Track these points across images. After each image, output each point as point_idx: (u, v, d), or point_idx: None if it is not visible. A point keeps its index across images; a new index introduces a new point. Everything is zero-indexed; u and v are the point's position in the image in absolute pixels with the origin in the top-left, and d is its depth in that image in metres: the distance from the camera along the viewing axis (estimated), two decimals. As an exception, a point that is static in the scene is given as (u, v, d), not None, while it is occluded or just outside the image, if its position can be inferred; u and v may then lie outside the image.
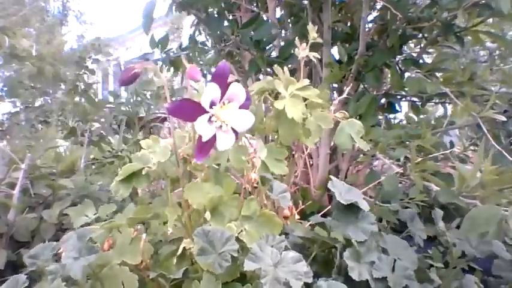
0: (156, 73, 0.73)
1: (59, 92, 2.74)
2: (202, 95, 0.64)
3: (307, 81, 0.78)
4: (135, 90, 2.64)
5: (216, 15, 1.61)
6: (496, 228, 0.87)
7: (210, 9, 1.72)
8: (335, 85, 1.74)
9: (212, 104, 0.64)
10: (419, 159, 1.27)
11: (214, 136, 0.65)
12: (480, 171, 1.01)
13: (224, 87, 0.65)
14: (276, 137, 0.84)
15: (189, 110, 0.64)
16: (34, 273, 0.85)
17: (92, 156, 2.24)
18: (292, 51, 1.51)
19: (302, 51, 0.85)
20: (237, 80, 0.68)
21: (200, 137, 0.64)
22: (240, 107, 0.67)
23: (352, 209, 0.90)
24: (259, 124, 0.83)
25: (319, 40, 0.90)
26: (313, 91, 0.78)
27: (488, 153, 1.07)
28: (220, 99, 0.65)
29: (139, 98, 2.68)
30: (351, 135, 0.81)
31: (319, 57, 0.89)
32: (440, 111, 2.05)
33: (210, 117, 0.65)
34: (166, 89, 0.74)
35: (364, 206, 0.89)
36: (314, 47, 0.88)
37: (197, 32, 1.99)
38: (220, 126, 0.65)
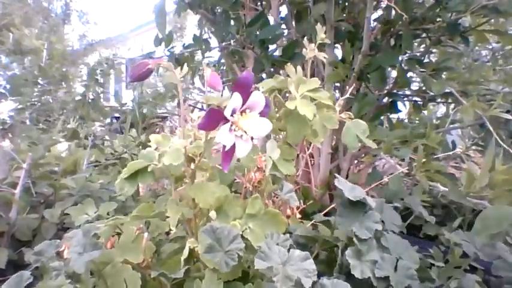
0: (170, 70, 0.72)
1: (60, 91, 2.74)
2: (226, 105, 0.63)
3: (318, 82, 0.77)
4: (141, 90, 2.65)
5: (223, 15, 1.60)
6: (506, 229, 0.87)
7: (217, 8, 1.72)
8: (337, 84, 1.73)
9: (232, 113, 0.64)
10: (424, 159, 1.26)
11: (234, 144, 0.65)
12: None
13: (246, 96, 0.65)
14: (283, 136, 0.84)
15: (215, 120, 0.64)
16: (36, 271, 0.86)
17: (93, 158, 2.24)
18: (295, 51, 1.51)
19: (310, 51, 0.84)
20: (256, 88, 0.68)
21: (224, 146, 0.64)
22: (259, 114, 0.67)
23: (357, 206, 0.90)
24: (272, 124, 0.82)
25: (327, 41, 0.89)
26: (324, 93, 0.78)
27: (497, 153, 1.07)
28: (241, 108, 0.65)
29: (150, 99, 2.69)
30: (357, 135, 0.81)
31: (327, 57, 0.88)
32: (441, 110, 2.04)
33: (231, 126, 0.64)
34: (180, 88, 0.73)
35: (371, 203, 0.89)
36: (318, 47, 0.87)
37: (201, 31, 1.99)
38: (241, 136, 0.64)
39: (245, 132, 0.64)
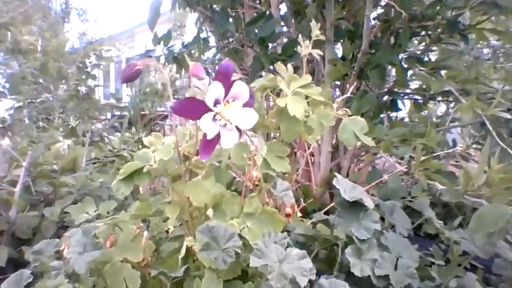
0: (158, 70, 0.72)
1: (60, 90, 2.74)
2: (206, 94, 0.64)
3: (309, 78, 0.77)
4: (138, 88, 2.65)
5: (221, 12, 1.60)
6: (502, 227, 0.86)
7: (215, 6, 1.71)
8: (337, 82, 1.73)
9: (216, 103, 0.64)
10: (424, 157, 1.26)
11: (219, 134, 0.65)
12: (486, 169, 1.00)
13: (228, 85, 0.65)
14: (277, 134, 0.84)
15: (194, 108, 0.64)
16: (36, 270, 0.86)
17: (93, 155, 2.24)
18: (295, 49, 1.50)
19: (305, 48, 0.84)
20: (241, 79, 0.68)
21: (205, 135, 0.64)
22: (244, 105, 0.67)
23: (355, 206, 0.90)
24: (261, 121, 0.82)
25: (322, 37, 0.89)
26: (316, 89, 0.78)
27: (493, 151, 1.06)
28: (224, 98, 0.65)
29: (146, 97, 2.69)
30: (354, 132, 0.80)
31: (322, 54, 0.88)
32: (441, 109, 2.04)
33: (214, 116, 0.64)
34: (168, 87, 0.73)
35: (369, 203, 0.89)
36: (317, 45, 0.87)
37: (200, 30, 1.98)
38: (225, 125, 0.65)
39: (229, 121, 0.64)
